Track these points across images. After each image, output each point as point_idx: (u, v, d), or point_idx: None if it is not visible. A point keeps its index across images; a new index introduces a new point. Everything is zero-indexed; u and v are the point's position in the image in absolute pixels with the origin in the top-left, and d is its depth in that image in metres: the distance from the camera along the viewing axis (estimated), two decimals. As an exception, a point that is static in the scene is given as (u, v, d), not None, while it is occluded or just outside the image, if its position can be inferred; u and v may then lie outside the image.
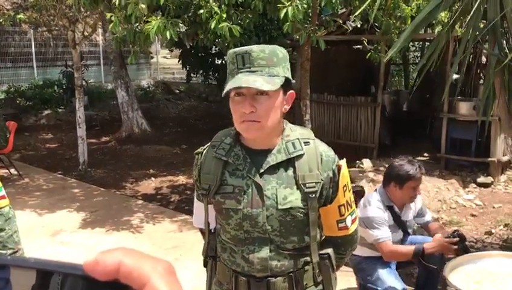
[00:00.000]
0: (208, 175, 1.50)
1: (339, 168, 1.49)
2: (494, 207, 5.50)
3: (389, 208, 2.80)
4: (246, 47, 1.42)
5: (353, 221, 1.56)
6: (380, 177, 4.25)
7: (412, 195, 2.78)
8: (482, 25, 3.77)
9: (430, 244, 2.67)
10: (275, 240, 1.46)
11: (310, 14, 5.20)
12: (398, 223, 2.86)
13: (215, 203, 1.50)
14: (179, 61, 10.30)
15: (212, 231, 1.64)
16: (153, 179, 6.76)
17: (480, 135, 6.28)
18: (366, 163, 6.62)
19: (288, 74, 1.43)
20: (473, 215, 5.29)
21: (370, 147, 7.34)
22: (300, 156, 1.45)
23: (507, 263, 2.33)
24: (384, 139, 7.49)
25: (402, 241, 2.92)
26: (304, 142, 1.47)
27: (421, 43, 10.17)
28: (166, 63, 20.71)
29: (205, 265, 1.66)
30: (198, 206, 1.66)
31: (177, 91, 15.18)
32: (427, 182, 5.92)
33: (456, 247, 2.62)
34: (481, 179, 6.28)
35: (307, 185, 1.43)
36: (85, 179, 6.67)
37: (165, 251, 4.24)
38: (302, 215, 1.45)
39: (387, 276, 2.80)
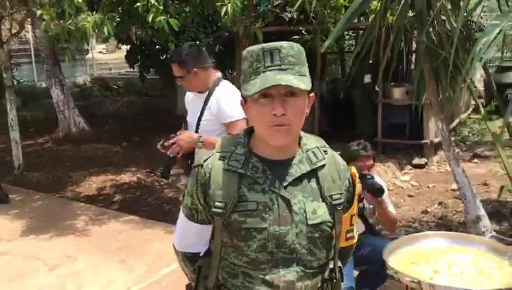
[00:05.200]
0: (219, 192, 1.31)
1: (353, 176, 1.43)
2: (429, 187, 5.79)
3: None
4: (274, 43, 1.27)
5: (356, 228, 1.52)
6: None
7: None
8: (411, 14, 3.94)
9: None
10: (302, 259, 1.33)
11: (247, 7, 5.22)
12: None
13: (230, 223, 1.31)
14: (127, 62, 10.01)
15: (201, 254, 1.48)
16: (94, 179, 6.58)
17: (414, 118, 6.54)
18: (308, 151, 6.75)
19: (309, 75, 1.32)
20: (409, 195, 5.54)
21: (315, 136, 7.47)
22: (323, 166, 1.35)
23: (441, 242, 2.45)
24: (324, 127, 7.65)
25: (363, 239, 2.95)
26: (323, 151, 1.38)
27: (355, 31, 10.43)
28: (102, 58, 20.14)
29: None
30: (188, 226, 1.45)
31: (115, 87, 14.80)
32: (367, 166, 6.12)
33: (360, 186, 2.67)
34: (416, 161, 6.59)
35: (333, 196, 1.34)
36: (22, 184, 6.38)
37: (110, 253, 4.15)
38: (328, 229, 1.35)
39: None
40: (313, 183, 1.34)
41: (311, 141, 1.39)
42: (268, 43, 1.28)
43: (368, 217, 3.00)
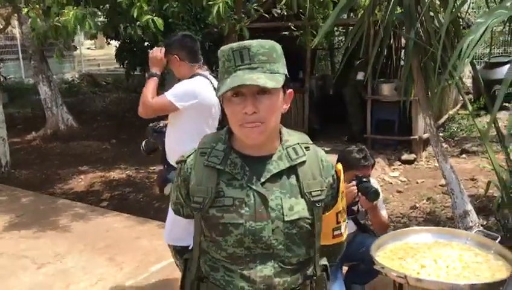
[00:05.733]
0: (199, 187, 1.34)
1: (338, 173, 1.43)
2: (417, 182, 5.82)
3: None
4: (243, 42, 1.29)
5: (345, 227, 1.50)
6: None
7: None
8: (399, 10, 3.95)
9: None
10: (280, 255, 1.34)
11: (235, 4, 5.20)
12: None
13: (208, 218, 1.34)
14: (117, 60, 9.94)
15: (190, 247, 1.49)
16: (82, 176, 6.54)
17: (403, 114, 6.58)
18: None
19: (286, 71, 1.32)
20: (398, 191, 5.57)
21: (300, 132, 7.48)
22: (303, 162, 1.36)
23: (428, 237, 2.48)
24: (313, 124, 7.66)
25: (353, 237, 2.94)
26: (305, 147, 1.39)
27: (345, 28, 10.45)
28: (90, 54, 19.95)
29: (182, 288, 1.50)
30: (176, 220, 1.51)
31: (104, 83, 14.70)
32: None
33: (355, 189, 2.63)
34: (405, 157, 6.62)
35: (312, 193, 1.35)
36: (9, 182, 6.34)
37: (99, 250, 4.13)
38: (308, 226, 1.35)
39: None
40: (293, 179, 1.35)
41: (294, 138, 1.40)
42: (238, 43, 1.29)
43: (360, 219, 2.98)
